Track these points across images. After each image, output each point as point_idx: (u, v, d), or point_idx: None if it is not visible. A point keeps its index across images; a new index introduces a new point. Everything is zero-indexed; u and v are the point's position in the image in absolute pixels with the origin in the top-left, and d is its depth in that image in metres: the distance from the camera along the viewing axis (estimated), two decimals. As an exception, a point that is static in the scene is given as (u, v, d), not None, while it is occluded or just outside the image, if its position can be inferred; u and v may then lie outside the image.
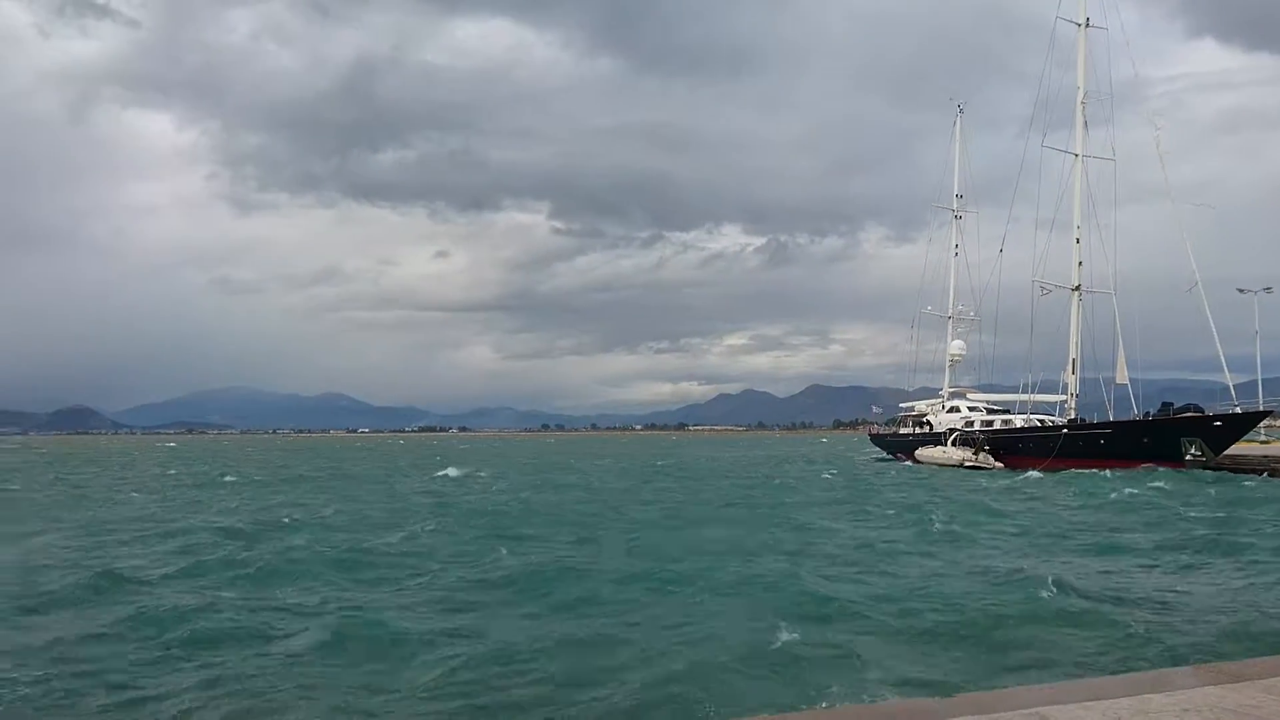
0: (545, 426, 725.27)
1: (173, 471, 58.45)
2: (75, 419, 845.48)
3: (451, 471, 53.62)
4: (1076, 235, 57.17)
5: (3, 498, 37.02)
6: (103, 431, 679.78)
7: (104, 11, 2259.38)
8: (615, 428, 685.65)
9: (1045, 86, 57.04)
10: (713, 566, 15.95)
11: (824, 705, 8.12)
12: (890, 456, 71.88)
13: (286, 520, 24.85)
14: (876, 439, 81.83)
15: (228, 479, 48.15)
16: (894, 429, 78.71)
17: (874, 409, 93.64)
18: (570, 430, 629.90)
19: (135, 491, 38.96)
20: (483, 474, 52.79)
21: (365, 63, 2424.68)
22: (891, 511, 27.56)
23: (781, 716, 6.11)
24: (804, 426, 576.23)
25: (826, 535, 21.55)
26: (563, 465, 68.60)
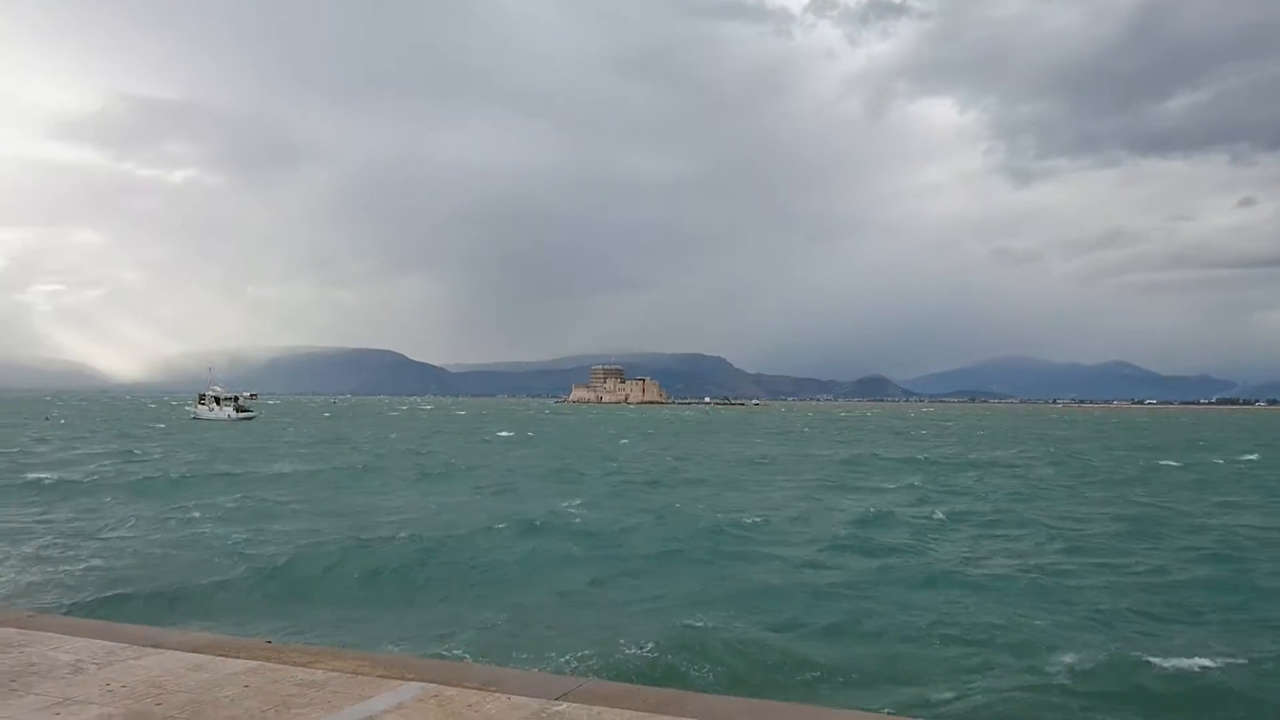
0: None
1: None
2: (873, 387, 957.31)
3: None
4: None
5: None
6: (894, 399, 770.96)
7: (900, 10, 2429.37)
8: None
9: None
10: None
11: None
12: None
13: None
14: None
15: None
16: None
17: None
18: None
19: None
20: None
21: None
22: None
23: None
24: None
25: None
26: None
